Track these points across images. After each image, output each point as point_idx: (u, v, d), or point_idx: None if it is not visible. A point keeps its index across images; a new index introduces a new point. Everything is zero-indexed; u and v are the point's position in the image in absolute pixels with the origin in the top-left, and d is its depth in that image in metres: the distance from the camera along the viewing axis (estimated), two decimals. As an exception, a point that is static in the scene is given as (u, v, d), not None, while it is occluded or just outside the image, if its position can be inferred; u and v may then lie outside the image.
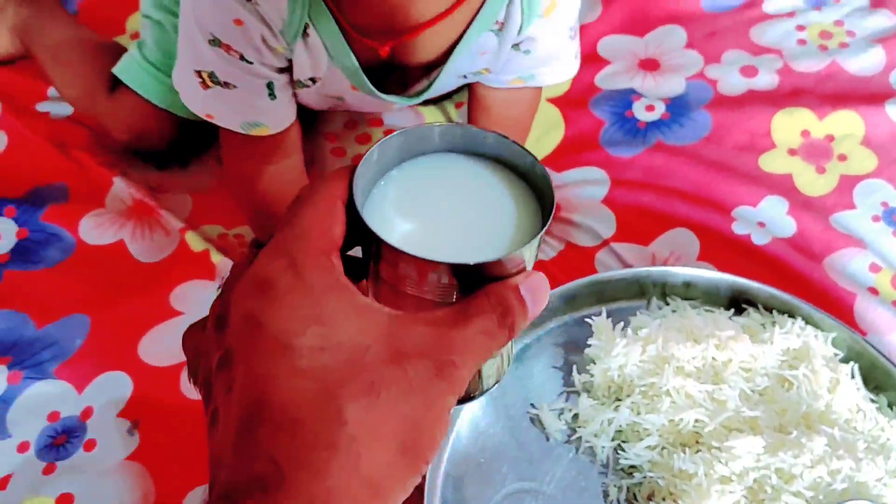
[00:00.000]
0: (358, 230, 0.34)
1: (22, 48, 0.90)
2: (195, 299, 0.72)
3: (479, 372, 0.39)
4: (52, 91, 0.88)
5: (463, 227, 0.37)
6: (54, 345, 0.70)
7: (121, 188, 0.80)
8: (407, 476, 0.30)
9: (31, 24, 0.88)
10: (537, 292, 0.33)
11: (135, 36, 0.93)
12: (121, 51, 0.84)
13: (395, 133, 0.37)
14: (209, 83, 0.64)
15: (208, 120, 0.67)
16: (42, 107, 0.87)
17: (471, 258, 0.32)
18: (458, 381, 0.31)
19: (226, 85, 0.64)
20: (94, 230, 0.77)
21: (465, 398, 0.40)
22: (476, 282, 0.33)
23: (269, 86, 0.64)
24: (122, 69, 0.80)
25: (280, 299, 0.31)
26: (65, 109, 0.87)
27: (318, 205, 0.33)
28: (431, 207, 0.38)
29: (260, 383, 0.30)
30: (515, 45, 0.67)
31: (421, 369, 0.30)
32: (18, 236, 0.77)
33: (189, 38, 0.63)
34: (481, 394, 0.41)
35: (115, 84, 0.80)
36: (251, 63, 0.62)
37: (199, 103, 0.67)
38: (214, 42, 0.61)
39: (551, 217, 0.35)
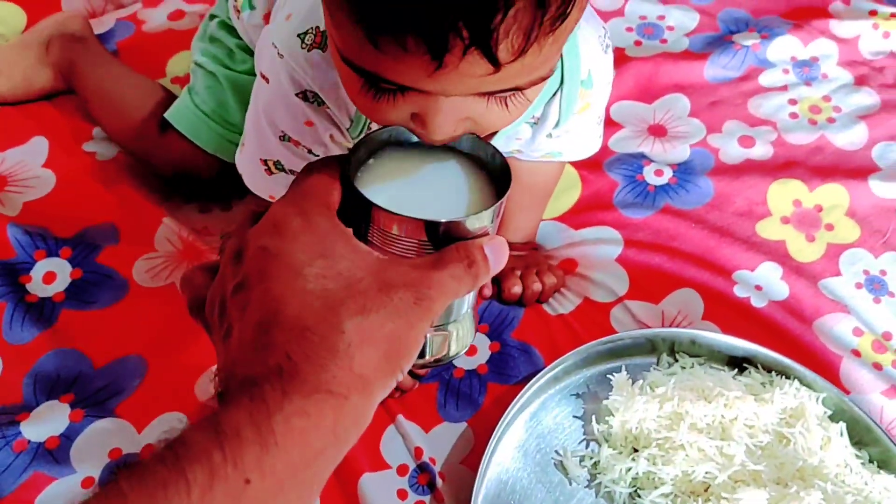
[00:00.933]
0: (349, 203, 0.42)
1: (62, 84, 0.94)
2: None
3: (448, 339, 0.49)
4: (97, 131, 0.92)
5: (437, 199, 0.46)
6: (112, 384, 0.75)
7: (169, 229, 0.84)
8: (388, 377, 0.39)
9: (77, 64, 0.92)
10: (498, 251, 0.42)
11: (175, 80, 0.98)
12: (167, 93, 0.88)
13: (382, 128, 0.46)
14: (274, 170, 0.69)
15: (270, 200, 0.72)
16: (88, 147, 0.91)
17: (444, 217, 0.42)
18: (432, 311, 0.40)
19: (290, 172, 0.69)
20: (147, 272, 0.82)
21: (437, 362, 0.50)
22: (448, 242, 0.43)
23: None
24: (175, 115, 0.84)
25: (292, 237, 0.40)
26: (110, 150, 0.91)
27: (320, 173, 0.43)
28: (412, 184, 0.47)
29: (274, 301, 0.38)
30: (548, 134, 0.73)
31: (404, 297, 0.39)
32: (73, 276, 0.81)
33: (257, 130, 0.68)
34: (449, 360, 0.50)
35: (165, 126, 0.85)
36: (317, 156, 0.67)
37: (263, 187, 0.72)
38: (284, 138, 0.66)
39: (507, 193, 0.44)
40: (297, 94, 0.62)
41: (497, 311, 0.83)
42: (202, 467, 0.33)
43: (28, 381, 0.75)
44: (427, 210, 0.42)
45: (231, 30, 0.85)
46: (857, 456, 0.75)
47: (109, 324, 0.79)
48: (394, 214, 0.41)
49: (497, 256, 0.42)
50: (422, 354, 0.48)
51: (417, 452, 0.74)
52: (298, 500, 0.37)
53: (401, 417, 0.76)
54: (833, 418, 0.76)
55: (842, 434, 0.75)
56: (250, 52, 0.83)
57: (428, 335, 0.48)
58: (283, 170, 0.70)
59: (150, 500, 0.32)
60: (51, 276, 0.81)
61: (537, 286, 0.83)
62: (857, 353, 0.83)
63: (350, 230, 0.41)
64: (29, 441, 0.71)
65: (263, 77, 0.65)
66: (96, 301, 0.80)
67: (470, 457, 0.75)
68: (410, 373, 0.77)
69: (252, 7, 0.78)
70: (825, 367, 0.81)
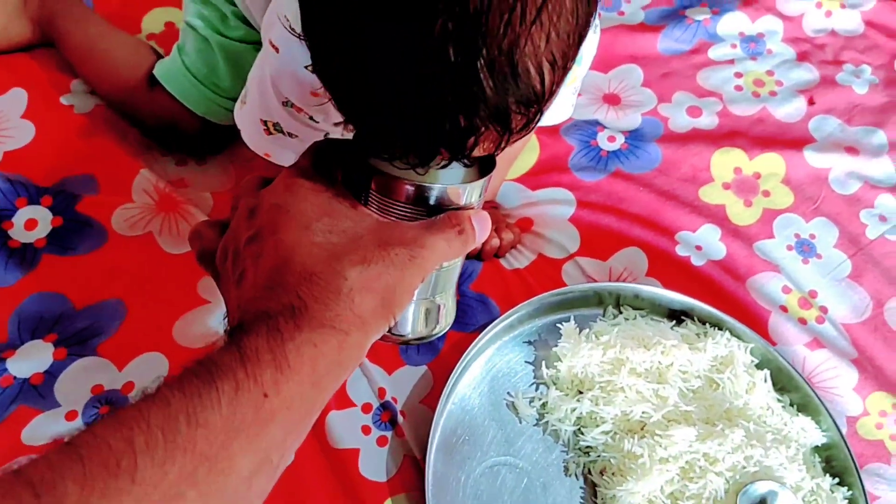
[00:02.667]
0: (353, 172, 0.48)
1: (40, 37, 0.96)
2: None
3: (437, 312, 0.54)
4: (74, 84, 0.95)
5: (431, 174, 0.49)
6: (94, 325, 0.79)
7: (147, 180, 0.88)
8: (382, 320, 0.44)
9: (58, 18, 0.94)
10: (483, 223, 0.48)
11: (150, 36, 1.00)
12: (153, 51, 0.92)
13: None
14: (272, 131, 0.73)
15: (264, 157, 0.76)
16: (66, 100, 0.94)
17: (441, 185, 0.47)
18: (424, 268, 0.45)
19: (288, 134, 0.73)
20: (125, 222, 0.86)
21: (426, 337, 0.55)
22: (439, 211, 0.47)
23: (326, 135, 0.74)
24: (165, 75, 0.87)
25: (302, 197, 0.45)
26: (87, 103, 0.94)
27: (328, 146, 0.49)
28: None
29: (286, 250, 0.43)
30: None
31: (400, 253, 0.44)
32: (54, 223, 0.85)
33: (261, 92, 0.71)
34: (437, 335, 0.55)
35: (153, 82, 0.88)
36: (318, 122, 0.71)
37: (260, 145, 0.76)
38: (287, 104, 0.70)
39: (492, 171, 0.49)
40: (306, 67, 0.65)
41: (457, 264, 0.89)
42: (229, 381, 0.39)
43: (13, 321, 0.79)
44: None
45: None
46: (778, 400, 0.83)
47: (90, 269, 0.83)
48: (392, 179, 0.46)
49: (482, 227, 0.48)
50: (409, 331, 0.53)
51: (381, 392, 0.80)
52: (305, 415, 0.43)
53: (366, 360, 0.82)
54: (759, 366, 0.84)
55: (766, 380, 0.83)
56: (244, 20, 0.86)
57: (420, 308, 0.53)
58: (281, 131, 0.73)
59: (188, 405, 0.38)
60: (32, 223, 0.85)
61: (495, 242, 0.89)
62: (784, 309, 0.91)
63: (352, 196, 0.47)
64: (14, 377, 0.76)
65: (273, 46, 0.68)
66: (76, 247, 0.84)
67: (429, 397, 0.81)
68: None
69: None
70: (755, 320, 0.89)
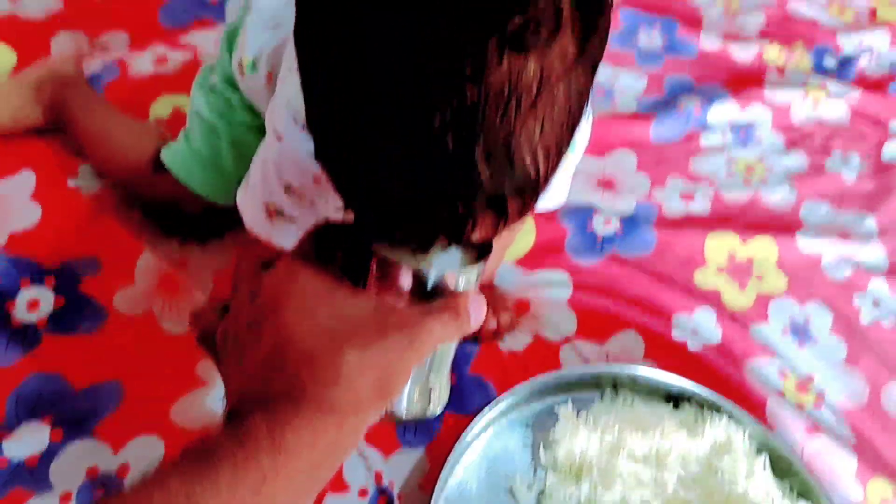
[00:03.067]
0: (352, 255, 0.49)
1: (51, 123, 0.99)
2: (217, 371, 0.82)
3: (431, 393, 0.55)
4: (82, 168, 0.98)
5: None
6: (91, 406, 0.79)
7: (149, 261, 0.90)
8: (380, 403, 0.45)
9: (68, 104, 0.97)
10: (478, 307, 0.49)
11: (158, 121, 1.04)
12: (160, 134, 0.95)
13: None
14: (274, 215, 0.75)
15: (266, 240, 0.78)
16: (73, 182, 0.96)
17: (436, 270, 0.48)
18: (421, 352, 0.46)
19: (289, 217, 0.75)
20: (126, 302, 0.87)
21: (420, 419, 0.56)
22: (435, 294, 0.48)
23: (325, 219, 0.76)
24: (170, 158, 0.90)
25: (303, 280, 0.46)
26: (94, 186, 0.96)
27: (328, 231, 0.51)
28: None
29: (286, 333, 0.44)
30: None
31: (398, 338, 0.45)
32: (56, 304, 0.86)
33: (264, 177, 0.74)
34: (431, 415, 0.55)
35: (158, 165, 0.90)
36: (317, 206, 0.74)
37: (262, 228, 0.78)
38: (289, 189, 0.72)
39: (487, 256, 0.50)
40: (309, 154, 0.67)
41: (455, 346, 0.90)
42: (228, 465, 0.40)
43: (10, 402, 0.79)
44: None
45: (233, 84, 0.90)
46: (778, 486, 0.82)
47: (89, 349, 0.83)
48: (391, 264, 0.48)
49: (478, 311, 0.48)
50: (403, 412, 0.54)
51: (377, 476, 0.79)
52: (303, 496, 0.44)
53: (362, 442, 0.81)
54: (758, 451, 0.84)
55: (765, 466, 0.82)
56: (250, 108, 0.90)
57: (415, 389, 0.53)
58: (282, 215, 0.75)
59: (188, 489, 0.39)
60: (34, 303, 0.86)
61: (493, 324, 0.90)
62: (781, 394, 0.91)
63: (350, 281, 0.48)
64: (9, 459, 0.75)
65: (276, 134, 0.70)
66: (77, 328, 0.85)
67: (426, 481, 0.80)
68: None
69: (255, 69, 0.84)
70: (753, 404, 0.89)
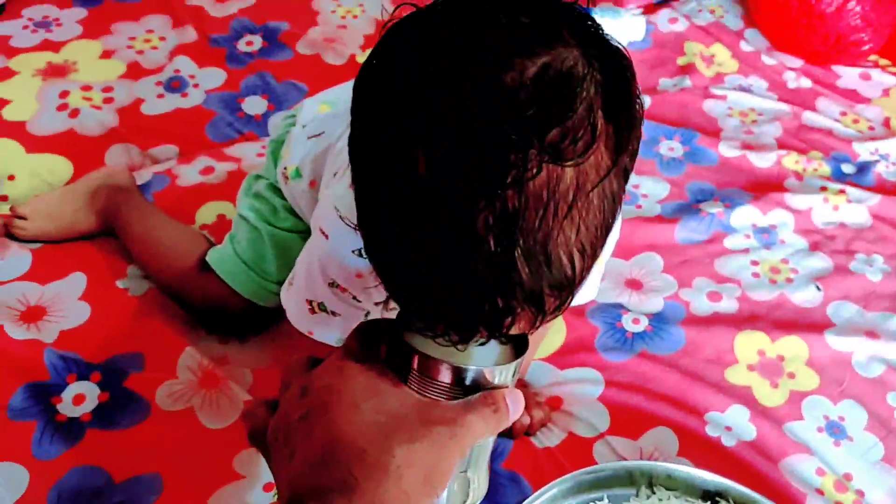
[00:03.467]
0: (395, 351, 0.51)
1: (103, 227, 1.05)
2: (255, 464, 0.84)
3: (469, 485, 0.55)
4: (130, 269, 1.02)
5: (465, 354, 0.52)
6: (130, 499, 0.80)
7: (191, 357, 0.92)
8: (426, 497, 0.47)
9: (121, 210, 1.03)
10: (516, 401, 0.51)
11: (203, 226, 1.09)
12: (207, 240, 1.00)
13: None
14: (317, 310, 0.79)
15: (308, 335, 0.81)
16: (122, 283, 1.01)
17: (477, 365, 0.50)
18: (463, 445, 0.48)
19: (332, 313, 0.79)
20: (169, 397, 0.89)
21: None
22: (474, 390, 0.51)
23: (367, 314, 0.80)
24: (216, 260, 0.94)
25: (350, 376, 0.50)
26: (141, 287, 1.01)
27: (371, 329, 0.54)
28: None
29: (336, 428, 0.47)
30: None
31: (442, 432, 0.48)
32: (100, 399, 0.88)
33: (308, 274, 0.78)
34: None
35: (204, 267, 0.95)
36: (360, 301, 0.77)
37: (304, 323, 0.81)
38: (333, 285, 0.76)
39: (525, 353, 0.53)
40: (353, 251, 0.71)
41: (488, 442, 0.90)
42: None
43: (52, 495, 0.80)
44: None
45: (277, 191, 0.96)
46: (823, 588, 0.80)
47: (131, 443, 0.85)
48: (432, 360, 0.50)
49: (516, 405, 0.51)
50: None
51: (412, 573, 0.79)
52: None
53: (397, 540, 0.81)
54: (800, 551, 0.82)
55: (807, 566, 0.81)
56: (293, 213, 0.95)
57: (454, 483, 0.54)
58: (325, 310, 0.79)
59: None
60: (80, 398, 0.88)
61: (525, 419, 0.91)
62: (820, 492, 0.90)
63: (394, 375, 0.51)
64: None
65: (323, 233, 0.75)
66: (120, 422, 0.87)
67: (461, 580, 0.79)
68: None
69: (299, 175, 0.90)
70: (792, 502, 0.88)
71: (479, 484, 0.57)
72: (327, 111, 0.95)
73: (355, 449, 0.46)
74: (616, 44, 0.47)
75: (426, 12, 0.47)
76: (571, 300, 0.48)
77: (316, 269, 0.77)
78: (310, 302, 0.80)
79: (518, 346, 0.54)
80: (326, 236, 0.75)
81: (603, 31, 0.47)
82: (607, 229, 0.47)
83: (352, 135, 0.49)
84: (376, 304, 0.79)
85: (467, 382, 0.51)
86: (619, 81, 0.46)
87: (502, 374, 0.52)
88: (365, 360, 0.51)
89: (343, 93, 0.99)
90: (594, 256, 0.47)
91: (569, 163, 0.43)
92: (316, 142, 0.90)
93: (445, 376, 0.50)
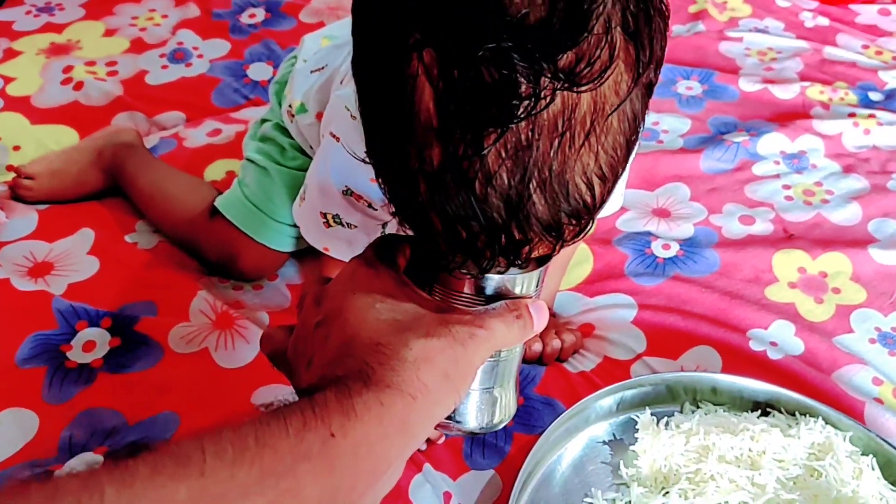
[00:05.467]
0: (415, 263, 0.49)
1: (111, 184, 1.02)
2: (276, 399, 0.79)
3: (495, 403, 0.53)
4: (139, 225, 0.99)
5: None
6: (146, 437, 0.76)
7: (204, 301, 0.89)
8: (447, 394, 0.45)
9: (127, 165, 1.01)
10: (540, 311, 0.49)
11: (213, 183, 1.06)
12: (212, 187, 0.97)
13: None
14: (332, 223, 0.76)
15: (324, 251, 0.78)
16: (131, 238, 0.98)
17: (499, 276, 0.48)
18: (484, 346, 0.46)
19: (347, 225, 0.75)
20: (182, 339, 0.85)
21: (484, 429, 0.54)
22: (498, 300, 0.48)
23: (384, 225, 0.76)
24: (225, 204, 0.92)
25: (367, 281, 0.48)
26: (151, 240, 0.98)
27: (390, 239, 0.51)
28: None
29: (352, 328, 0.45)
30: None
31: (461, 330, 0.45)
32: (111, 344, 0.85)
33: (320, 185, 0.75)
34: (493, 428, 0.54)
35: (213, 213, 0.92)
36: (376, 210, 0.74)
37: (319, 239, 0.78)
38: (347, 192, 0.73)
39: (548, 261, 0.49)
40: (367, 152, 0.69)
41: (519, 369, 0.85)
42: (297, 418, 0.40)
43: (64, 437, 0.76)
44: None
45: (284, 131, 0.94)
46: (892, 490, 0.74)
47: (145, 386, 0.81)
48: (466, 273, 0.48)
49: (540, 316, 0.49)
50: (470, 421, 0.53)
51: (447, 497, 0.74)
52: (373, 469, 0.43)
53: (428, 466, 0.76)
54: (863, 454, 0.76)
55: (873, 468, 0.74)
56: (301, 151, 0.92)
57: (481, 399, 0.53)
58: (340, 223, 0.76)
59: (257, 430, 0.40)
60: (91, 344, 0.85)
61: (556, 343, 0.86)
62: (879, 401, 0.84)
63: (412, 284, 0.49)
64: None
65: (334, 136, 0.72)
66: (133, 366, 0.83)
67: (498, 502, 0.74)
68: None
69: (305, 109, 0.87)
70: (849, 411, 0.81)
71: (508, 402, 0.55)
72: (328, 45, 0.92)
73: (371, 342, 0.44)
74: None
75: None
76: (594, 225, 0.46)
77: (329, 177, 0.73)
78: (324, 215, 0.76)
79: (541, 259, 0.50)
80: (338, 139, 0.72)
81: None
82: (629, 149, 0.44)
83: (354, 59, 0.46)
84: (393, 213, 0.75)
85: (489, 292, 0.48)
86: None
87: (525, 284, 0.49)
88: (383, 268, 0.49)
89: (343, 25, 0.97)
90: (615, 179, 0.44)
91: (584, 87, 0.39)
92: (319, 75, 0.88)
93: (467, 286, 0.48)
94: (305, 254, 0.95)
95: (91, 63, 1.25)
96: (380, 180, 0.46)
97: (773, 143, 1.16)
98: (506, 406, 0.55)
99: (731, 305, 0.93)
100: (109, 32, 1.33)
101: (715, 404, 0.82)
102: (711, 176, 1.12)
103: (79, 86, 1.20)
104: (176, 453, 0.38)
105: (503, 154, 0.39)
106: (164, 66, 1.26)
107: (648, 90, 0.43)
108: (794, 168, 1.13)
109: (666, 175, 1.11)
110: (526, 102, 0.38)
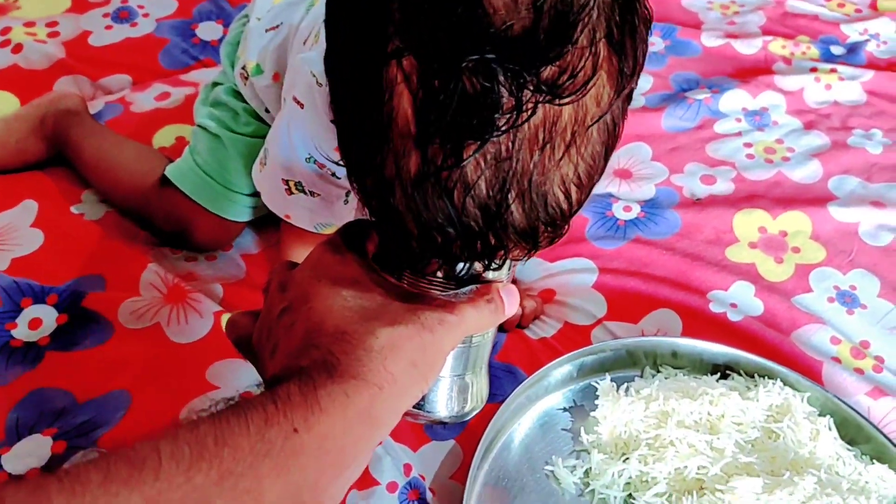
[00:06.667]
0: (383, 250, 0.48)
1: (54, 154, 0.98)
2: (231, 375, 0.78)
3: (467, 390, 0.53)
4: (85, 195, 0.96)
5: None
6: (96, 417, 0.74)
7: (154, 273, 0.86)
8: (414, 384, 0.44)
9: (71, 133, 0.96)
10: (511, 295, 0.49)
11: (161, 149, 1.02)
12: (164, 156, 0.94)
13: None
14: (294, 190, 0.74)
15: (285, 219, 0.75)
16: (77, 209, 0.94)
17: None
18: (454, 333, 0.45)
19: (310, 193, 0.73)
20: (132, 314, 0.83)
21: (455, 418, 0.53)
22: (469, 284, 0.48)
23: (347, 194, 0.74)
24: (176, 173, 0.88)
25: (333, 267, 0.47)
26: (98, 211, 0.94)
27: (358, 225, 0.50)
28: None
29: (317, 315, 0.44)
30: None
31: (430, 317, 0.44)
32: (59, 321, 0.82)
33: (284, 151, 0.72)
34: (466, 416, 0.54)
35: (164, 183, 0.89)
36: (339, 178, 0.71)
37: (281, 206, 0.76)
38: (310, 160, 0.70)
39: None
40: (332, 121, 0.66)
41: (479, 337, 0.84)
42: (258, 413, 0.39)
43: (10, 419, 0.74)
44: None
45: (237, 94, 0.90)
46: (848, 450, 0.74)
47: (94, 363, 0.79)
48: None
49: (510, 299, 0.49)
50: (440, 409, 0.52)
51: (406, 468, 0.73)
52: (337, 461, 0.42)
53: (388, 439, 0.75)
54: (820, 414, 0.76)
55: (830, 428, 0.75)
56: (255, 116, 0.89)
57: (452, 387, 0.52)
58: (302, 190, 0.73)
59: (216, 428, 0.38)
60: (37, 322, 0.82)
61: (517, 311, 0.85)
62: (837, 360, 0.84)
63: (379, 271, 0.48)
64: (10, 473, 0.70)
65: (297, 102, 0.69)
66: (81, 343, 0.80)
67: (459, 472, 0.74)
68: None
69: (261, 71, 0.84)
70: (807, 371, 0.82)
71: (479, 388, 0.54)
72: (281, 1, 0.88)
73: (336, 331, 0.43)
74: None
75: None
76: (568, 229, 0.45)
77: (293, 143, 0.71)
78: (286, 182, 0.74)
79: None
80: (301, 105, 0.69)
81: None
82: (607, 156, 0.43)
83: (327, 58, 0.44)
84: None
85: (460, 277, 0.47)
86: (627, 2, 0.40)
87: (495, 271, 0.48)
88: (350, 254, 0.48)
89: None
90: (592, 185, 0.43)
91: (567, 100, 0.38)
92: (275, 33, 0.84)
93: (437, 271, 0.47)
94: (263, 222, 0.93)
95: (30, 24, 1.19)
96: (352, 181, 0.45)
97: (735, 100, 1.15)
98: (477, 393, 0.54)
99: (691, 267, 0.92)
100: (49, -9, 1.27)
101: (675, 368, 0.82)
102: (673, 135, 1.10)
103: (17, 48, 1.14)
104: (130, 457, 0.36)
105: (482, 164, 0.39)
106: (108, 27, 1.20)
107: (629, 97, 0.43)
108: (755, 125, 1.12)
109: (628, 134, 1.09)
110: (508, 115, 0.38)
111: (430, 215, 0.41)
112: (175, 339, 0.81)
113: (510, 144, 0.39)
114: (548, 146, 0.39)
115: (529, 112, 0.38)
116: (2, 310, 0.83)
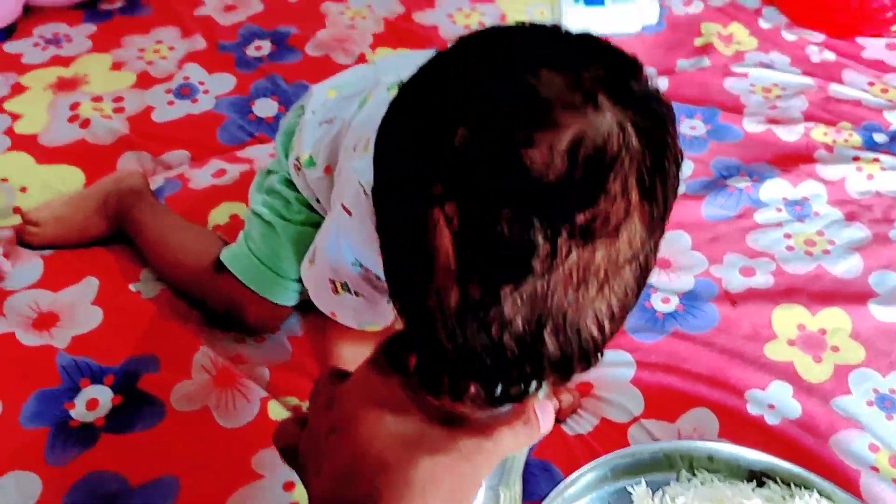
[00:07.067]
0: (424, 364, 0.49)
1: (116, 231, 1.03)
2: (274, 463, 0.80)
3: (498, 500, 0.52)
4: (144, 273, 1.00)
5: None
6: (147, 503, 0.77)
7: (205, 356, 0.90)
8: None
9: (133, 212, 1.01)
10: (545, 411, 0.49)
11: (216, 227, 1.07)
12: (221, 240, 0.98)
13: None
14: (340, 290, 0.77)
15: (331, 316, 0.78)
16: (135, 287, 0.98)
17: None
18: (491, 458, 0.47)
19: (355, 293, 0.76)
20: (183, 397, 0.86)
21: None
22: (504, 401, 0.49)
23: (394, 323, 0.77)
24: (230, 258, 0.92)
25: (375, 391, 0.48)
26: (154, 289, 0.98)
27: (396, 339, 0.51)
28: None
29: (362, 442, 0.46)
30: None
31: (468, 444, 0.46)
32: (114, 402, 0.86)
33: (331, 254, 0.75)
34: None
35: (219, 268, 0.92)
36: (384, 282, 0.74)
37: (327, 304, 0.79)
38: (356, 264, 0.74)
39: None
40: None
41: (517, 431, 0.86)
42: None
43: (66, 503, 0.77)
44: None
45: (290, 184, 0.94)
46: (885, 567, 0.74)
47: (146, 446, 0.82)
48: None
49: (545, 416, 0.49)
50: None
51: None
52: None
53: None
54: (857, 529, 0.76)
55: (867, 544, 0.75)
56: (307, 205, 0.93)
57: (480, 498, 0.52)
58: (348, 290, 0.77)
59: None
60: (94, 402, 0.86)
61: (554, 403, 0.86)
62: (875, 469, 0.84)
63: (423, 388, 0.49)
64: (64, 558, 0.73)
65: (345, 209, 0.73)
66: (135, 426, 0.84)
67: (494, 573, 0.75)
68: None
69: (313, 163, 0.88)
70: (845, 481, 0.82)
71: (513, 497, 0.55)
72: (335, 96, 0.92)
73: (379, 463, 0.45)
74: (655, 91, 0.44)
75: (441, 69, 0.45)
76: (601, 358, 0.46)
77: (339, 247, 0.74)
78: (332, 281, 0.77)
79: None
80: (349, 213, 0.73)
81: (641, 79, 0.44)
82: (640, 289, 0.45)
83: (375, 188, 0.47)
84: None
85: (497, 393, 0.48)
86: (658, 147, 0.43)
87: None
88: (392, 372, 0.50)
89: (350, 76, 0.97)
90: (625, 317, 0.45)
91: (599, 243, 0.41)
92: (328, 127, 0.88)
93: (474, 389, 0.48)
94: (308, 305, 0.96)
95: (98, 99, 1.26)
96: (396, 305, 0.47)
97: (776, 189, 1.16)
98: (510, 502, 0.55)
99: (729, 364, 0.93)
100: (117, 66, 1.33)
101: (711, 472, 0.82)
102: (713, 224, 1.12)
103: (85, 123, 1.21)
104: None
105: (519, 302, 0.41)
106: (171, 103, 1.27)
107: (660, 231, 0.45)
108: (796, 216, 1.13)
109: (668, 223, 1.11)
110: (543, 259, 0.40)
111: (468, 346, 0.43)
112: (223, 423, 0.85)
113: (545, 285, 0.41)
114: (582, 286, 0.41)
115: (564, 255, 0.40)
116: (61, 388, 0.87)
